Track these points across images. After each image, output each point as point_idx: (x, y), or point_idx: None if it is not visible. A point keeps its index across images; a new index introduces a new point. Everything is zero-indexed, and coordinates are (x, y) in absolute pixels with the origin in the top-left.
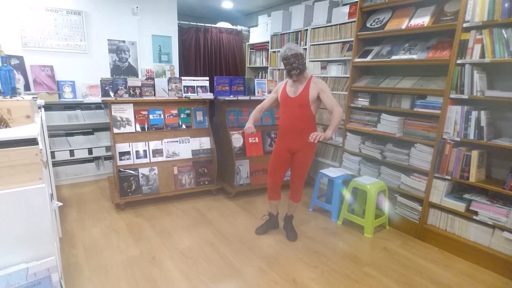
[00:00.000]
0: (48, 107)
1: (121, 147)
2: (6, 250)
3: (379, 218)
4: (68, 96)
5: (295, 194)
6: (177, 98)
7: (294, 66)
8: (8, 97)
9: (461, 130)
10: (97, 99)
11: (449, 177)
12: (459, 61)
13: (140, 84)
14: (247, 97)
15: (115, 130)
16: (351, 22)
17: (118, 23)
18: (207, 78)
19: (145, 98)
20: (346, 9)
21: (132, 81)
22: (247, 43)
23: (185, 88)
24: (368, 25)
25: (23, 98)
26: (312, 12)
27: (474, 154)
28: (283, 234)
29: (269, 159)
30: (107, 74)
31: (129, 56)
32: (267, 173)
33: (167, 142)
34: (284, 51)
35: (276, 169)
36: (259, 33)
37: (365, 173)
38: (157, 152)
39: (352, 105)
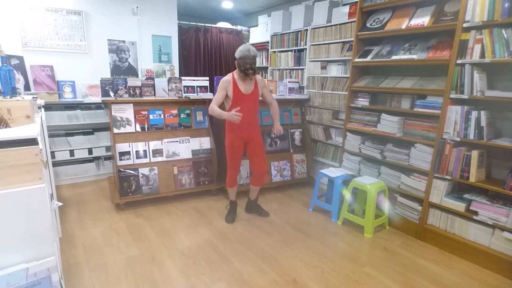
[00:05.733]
0: (48, 107)
1: (121, 147)
2: (6, 250)
3: (379, 218)
4: (68, 96)
5: (260, 179)
6: (177, 98)
7: (253, 67)
8: (8, 97)
9: (461, 130)
10: (97, 99)
11: (449, 177)
12: (459, 61)
13: (140, 84)
14: None
15: (115, 130)
16: (351, 22)
17: (118, 23)
18: (207, 78)
19: (145, 98)
20: (346, 9)
21: (132, 81)
22: (247, 43)
23: (185, 88)
24: (368, 25)
25: (23, 98)
26: (312, 12)
27: (474, 154)
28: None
29: (269, 159)
30: (107, 74)
31: (129, 56)
32: (228, 166)
33: (167, 142)
34: (245, 51)
35: (236, 160)
36: (259, 33)
37: (365, 173)
38: (157, 152)
39: (352, 105)
